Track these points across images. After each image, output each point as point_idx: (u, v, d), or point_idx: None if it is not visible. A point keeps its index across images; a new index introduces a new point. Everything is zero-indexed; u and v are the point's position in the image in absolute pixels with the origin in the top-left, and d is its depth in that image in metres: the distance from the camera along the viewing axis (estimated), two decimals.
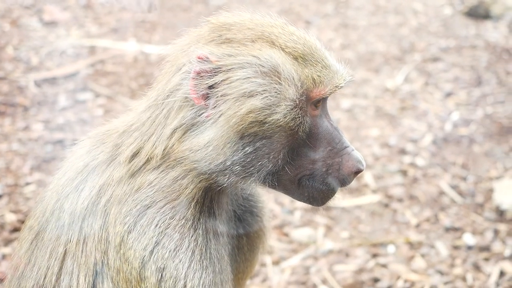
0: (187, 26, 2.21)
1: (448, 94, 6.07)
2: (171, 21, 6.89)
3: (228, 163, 1.97)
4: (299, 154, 2.06)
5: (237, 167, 1.98)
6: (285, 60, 2.00)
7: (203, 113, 1.99)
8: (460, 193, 4.87)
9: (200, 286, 1.95)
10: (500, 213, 4.67)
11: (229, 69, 1.98)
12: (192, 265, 1.96)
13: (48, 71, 6.00)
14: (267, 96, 1.96)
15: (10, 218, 4.42)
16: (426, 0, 7.83)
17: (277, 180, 2.07)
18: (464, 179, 5.00)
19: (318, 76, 2.03)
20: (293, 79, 1.99)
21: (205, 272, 1.97)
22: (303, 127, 2.01)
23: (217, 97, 1.97)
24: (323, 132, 2.08)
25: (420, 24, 7.25)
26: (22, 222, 4.04)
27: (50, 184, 2.17)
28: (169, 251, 1.95)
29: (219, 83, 1.97)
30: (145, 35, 6.64)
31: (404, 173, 5.04)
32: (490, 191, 4.88)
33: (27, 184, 4.72)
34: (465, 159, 5.21)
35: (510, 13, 7.48)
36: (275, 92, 1.97)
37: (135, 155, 2.04)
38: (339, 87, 2.09)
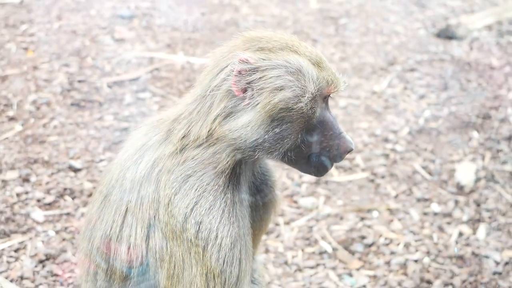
0: (223, 41, 2.24)
1: (422, 96, 6.03)
2: (210, 38, 6.90)
3: (260, 140, 2.00)
4: (311, 136, 2.10)
5: (266, 144, 2.01)
6: (308, 64, 2.05)
7: (241, 103, 2.02)
8: (429, 172, 4.84)
9: (228, 237, 1.96)
10: (460, 188, 4.64)
11: (265, 69, 2.01)
12: (222, 221, 1.97)
13: (117, 76, 6.03)
14: (294, 90, 2.00)
15: (88, 186, 4.46)
16: (405, 24, 7.76)
17: (293, 155, 2.10)
18: (432, 161, 4.96)
19: (330, 79, 2.09)
20: (313, 78, 2.04)
21: (232, 227, 1.98)
22: (316, 115, 2.07)
23: (254, 90, 2.01)
24: (328, 121, 2.12)
25: (401, 42, 7.19)
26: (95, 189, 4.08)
27: (115, 159, 2.20)
28: (205, 209, 1.97)
29: (256, 80, 2.00)
30: (190, 49, 6.66)
31: (386, 156, 5.02)
32: (453, 171, 4.84)
33: (101, 160, 4.75)
34: (433, 146, 5.17)
35: (471, 34, 7.43)
36: (300, 86, 2.01)
37: (184, 136, 2.06)
38: (341, 89, 2.15)
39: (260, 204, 2.29)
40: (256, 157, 2.03)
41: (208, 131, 2.02)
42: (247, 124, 1.99)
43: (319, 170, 2.17)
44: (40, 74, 5.92)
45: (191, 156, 2.02)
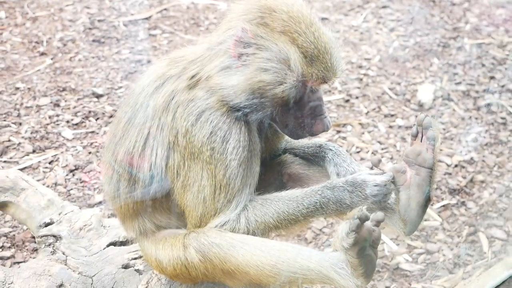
0: None
1: (392, 29, 5.90)
2: None
3: (241, 105, 1.92)
4: (290, 111, 1.99)
5: (247, 109, 1.93)
6: (297, 57, 1.89)
7: (235, 64, 1.92)
8: (395, 93, 4.79)
9: (235, 160, 1.95)
10: (421, 105, 4.62)
11: (258, 47, 1.89)
12: (234, 145, 1.95)
13: (132, 16, 5.89)
14: (276, 76, 1.88)
15: (108, 109, 4.44)
16: None
17: (274, 121, 2.03)
18: (398, 84, 4.91)
19: (317, 74, 1.91)
20: (298, 72, 1.89)
21: (241, 151, 1.96)
22: (294, 99, 1.94)
23: (246, 60, 1.90)
24: (308, 104, 1.99)
25: None
26: (115, 111, 4.07)
27: (140, 82, 2.13)
28: (219, 137, 1.94)
29: (249, 54, 1.90)
30: None
31: (360, 80, 4.96)
32: (415, 91, 4.80)
33: (119, 88, 4.71)
34: (400, 71, 5.11)
35: None
36: (282, 75, 1.88)
37: (193, 76, 1.99)
38: (331, 83, 2.00)
39: (268, 134, 2.22)
40: (241, 114, 1.96)
41: (207, 77, 1.96)
42: (233, 87, 1.92)
43: (294, 137, 2.10)
44: (66, 15, 5.80)
45: (198, 95, 1.97)
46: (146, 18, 5.91)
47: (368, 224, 1.82)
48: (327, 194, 1.96)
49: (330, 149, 2.25)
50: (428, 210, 3.54)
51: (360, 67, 5.16)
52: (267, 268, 1.91)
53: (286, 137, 2.34)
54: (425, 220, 3.51)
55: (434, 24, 6.03)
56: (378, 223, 1.83)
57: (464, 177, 3.87)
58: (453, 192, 3.75)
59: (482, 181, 3.85)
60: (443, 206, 3.66)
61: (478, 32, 5.82)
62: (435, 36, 5.72)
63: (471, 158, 4.04)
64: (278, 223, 1.99)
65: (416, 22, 6.08)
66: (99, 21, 5.76)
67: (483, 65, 5.21)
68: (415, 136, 1.99)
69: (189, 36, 5.59)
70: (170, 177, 2.04)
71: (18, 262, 3.09)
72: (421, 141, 1.97)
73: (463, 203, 3.68)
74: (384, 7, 6.41)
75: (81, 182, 3.74)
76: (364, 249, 1.86)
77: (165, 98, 2.01)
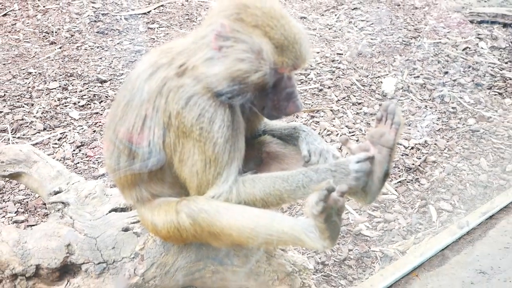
0: None
1: (361, 29, 5.92)
2: None
3: (224, 91, 1.91)
4: (266, 95, 1.99)
5: (229, 94, 1.92)
6: (269, 47, 1.88)
7: (216, 55, 1.91)
8: (363, 84, 4.83)
9: (222, 137, 1.95)
10: (384, 95, 4.67)
11: (235, 40, 1.88)
12: (219, 125, 1.95)
13: (132, 11, 5.82)
14: (251, 65, 1.87)
15: (111, 93, 4.41)
16: None
17: (253, 104, 2.02)
18: (366, 76, 4.95)
19: (287, 62, 1.91)
20: (270, 61, 1.89)
21: (226, 130, 1.96)
22: (269, 84, 1.93)
23: (225, 52, 1.89)
24: (282, 88, 1.98)
25: None
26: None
27: (136, 69, 2.11)
28: (207, 118, 1.94)
29: (228, 46, 1.89)
30: None
31: (332, 72, 4.99)
32: (380, 83, 4.84)
33: (121, 74, 4.68)
34: (367, 65, 5.14)
35: None
36: (257, 64, 1.88)
37: (181, 65, 1.98)
38: (300, 70, 1.99)
39: (249, 116, 2.21)
40: (224, 98, 1.95)
41: (193, 66, 1.95)
42: (215, 75, 1.90)
43: (270, 118, 2.10)
44: (73, 9, 5.70)
45: (186, 82, 1.95)
46: (145, 13, 5.84)
47: (334, 194, 1.87)
48: (310, 174, 1.98)
49: (303, 131, 2.29)
50: (387, 185, 3.62)
51: (333, 61, 5.19)
52: (247, 231, 1.94)
53: (265, 120, 2.37)
54: (384, 193, 3.58)
55: (398, 25, 6.06)
56: (342, 194, 1.88)
57: (419, 158, 3.94)
58: (408, 170, 3.82)
59: (434, 161, 3.93)
60: (400, 182, 3.73)
61: (436, 33, 5.87)
62: (398, 35, 5.76)
63: (425, 142, 4.12)
64: (265, 197, 2.00)
65: (383, 22, 6.11)
66: (103, 14, 5.68)
67: (439, 62, 5.27)
68: (379, 120, 2.03)
69: (183, 30, 5.55)
70: (168, 153, 2.05)
71: (31, 225, 3.10)
72: (385, 124, 2.01)
73: (417, 180, 3.75)
74: (355, 8, 6.43)
75: (86, 157, 3.74)
76: (330, 216, 1.90)
77: (158, 83, 2.00)
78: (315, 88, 4.73)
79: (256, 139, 2.38)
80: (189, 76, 1.97)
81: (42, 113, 4.11)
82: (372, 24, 6.05)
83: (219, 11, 1.97)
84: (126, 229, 2.38)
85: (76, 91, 4.40)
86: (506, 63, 5.33)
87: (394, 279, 2.82)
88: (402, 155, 3.92)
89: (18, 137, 3.86)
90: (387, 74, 4.98)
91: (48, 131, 3.95)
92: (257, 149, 2.35)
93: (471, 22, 6.15)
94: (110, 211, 2.50)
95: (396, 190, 3.64)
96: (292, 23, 1.95)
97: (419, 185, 3.70)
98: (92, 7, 5.79)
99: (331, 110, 4.41)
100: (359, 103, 4.54)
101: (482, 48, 5.58)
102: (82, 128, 4.00)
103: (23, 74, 4.58)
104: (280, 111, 2.04)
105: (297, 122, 3.04)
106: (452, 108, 4.58)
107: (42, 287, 2.26)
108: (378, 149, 1.99)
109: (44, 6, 5.69)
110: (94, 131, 3.99)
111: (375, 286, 2.71)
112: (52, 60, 4.81)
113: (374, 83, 4.85)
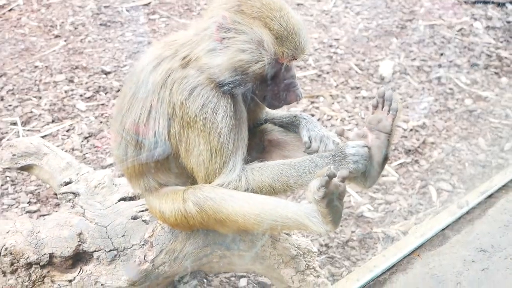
0: None
1: (357, 13, 5.84)
2: None
3: (226, 81, 1.90)
4: (267, 85, 1.98)
5: (231, 84, 1.91)
6: (269, 38, 1.87)
7: (218, 46, 1.90)
8: (360, 68, 4.79)
9: (226, 127, 1.95)
10: (382, 79, 4.63)
11: (236, 32, 1.87)
12: (223, 115, 1.94)
13: (133, 2, 5.75)
14: (252, 55, 1.87)
15: (116, 84, 4.39)
16: None
17: (254, 94, 2.02)
18: (363, 60, 4.90)
19: (287, 53, 1.90)
20: (270, 51, 1.88)
21: (229, 120, 1.95)
22: (270, 74, 1.93)
23: (227, 43, 1.88)
24: (282, 78, 1.98)
25: None
26: (121, 86, 4.03)
27: (140, 61, 2.10)
28: (210, 109, 1.93)
29: (229, 37, 1.88)
30: None
31: (330, 57, 4.94)
32: (377, 66, 4.80)
33: (124, 66, 4.65)
34: (364, 49, 5.09)
35: None
36: (258, 54, 1.87)
37: (185, 57, 1.96)
38: (299, 60, 1.98)
39: (251, 106, 2.21)
40: (226, 88, 1.94)
41: (197, 58, 1.94)
42: (218, 66, 1.89)
43: (271, 107, 2.10)
44: (75, 2, 5.64)
45: (190, 73, 1.94)
46: (146, 4, 5.77)
47: (335, 180, 1.87)
48: (316, 160, 1.98)
49: (304, 118, 2.27)
50: (388, 167, 3.61)
51: (330, 46, 5.13)
52: (252, 217, 1.95)
53: (267, 109, 2.35)
54: (385, 176, 3.57)
55: (393, 8, 5.98)
56: (343, 179, 1.87)
57: (418, 140, 3.93)
58: (408, 152, 3.81)
59: (433, 143, 3.92)
60: (400, 164, 3.72)
61: (431, 14, 5.79)
62: (394, 19, 5.68)
63: (424, 123, 4.09)
64: (273, 184, 1.99)
65: (378, 6, 6.02)
66: (105, 7, 5.62)
67: (435, 44, 5.21)
68: (375, 106, 2.02)
69: (183, 20, 5.49)
70: (173, 143, 2.04)
71: (43, 215, 3.11)
72: (381, 110, 2.00)
73: (416, 161, 3.74)
74: None
75: (94, 147, 3.74)
76: (332, 201, 1.90)
77: (162, 75, 1.99)
78: (314, 74, 4.69)
79: (258, 128, 2.37)
80: (193, 67, 1.95)
81: (50, 105, 4.10)
82: (368, 8, 5.96)
83: (220, 3, 1.95)
84: (135, 217, 2.39)
85: (82, 83, 4.38)
86: (501, 42, 5.27)
87: (397, 259, 2.82)
88: (401, 138, 3.90)
89: (28, 130, 3.86)
90: (384, 58, 4.93)
91: (56, 123, 3.94)
92: (259, 137, 2.35)
93: (465, 2, 6.06)
94: (119, 200, 2.51)
95: (396, 172, 3.63)
96: (291, 14, 1.93)
97: (418, 167, 3.69)
98: None
99: (331, 95, 4.38)
100: (358, 87, 4.51)
101: (477, 28, 5.51)
102: (89, 119, 3.99)
103: (30, 67, 4.55)
104: (281, 100, 2.04)
105: (298, 111, 3.01)
106: (449, 89, 4.54)
107: (56, 275, 2.27)
108: (376, 134, 1.98)
109: (47, 0, 5.63)
110: (101, 122, 3.97)
111: (378, 267, 2.72)
112: (58, 53, 4.78)
113: (372, 67, 4.80)
